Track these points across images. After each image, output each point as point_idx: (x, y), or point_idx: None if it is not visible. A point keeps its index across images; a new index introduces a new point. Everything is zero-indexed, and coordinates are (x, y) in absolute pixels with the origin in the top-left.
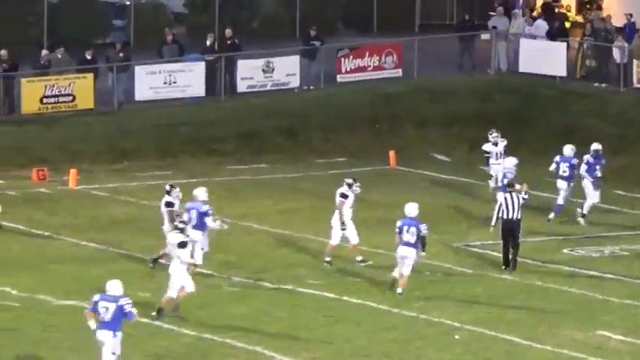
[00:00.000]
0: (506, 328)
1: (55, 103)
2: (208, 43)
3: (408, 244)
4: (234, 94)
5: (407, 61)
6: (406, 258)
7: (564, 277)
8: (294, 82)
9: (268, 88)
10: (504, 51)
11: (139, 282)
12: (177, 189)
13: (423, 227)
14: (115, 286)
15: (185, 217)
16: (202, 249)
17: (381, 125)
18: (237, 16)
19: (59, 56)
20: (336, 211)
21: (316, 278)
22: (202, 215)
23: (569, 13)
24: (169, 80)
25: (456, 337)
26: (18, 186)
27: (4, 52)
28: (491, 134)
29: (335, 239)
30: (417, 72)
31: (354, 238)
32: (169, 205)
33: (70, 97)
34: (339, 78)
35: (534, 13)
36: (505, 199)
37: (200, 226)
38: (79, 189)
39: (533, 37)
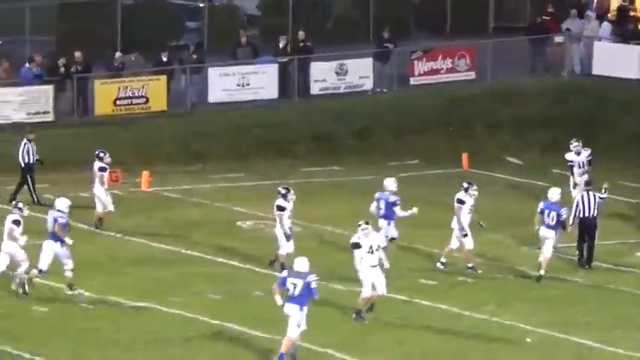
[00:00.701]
0: (579, 331)
1: (128, 104)
2: (281, 45)
3: (548, 226)
4: (307, 96)
5: (480, 64)
6: (547, 239)
7: (637, 280)
8: (368, 84)
9: (341, 90)
10: (578, 53)
11: (209, 284)
12: (292, 192)
13: (564, 211)
14: (303, 263)
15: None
16: (394, 238)
17: (453, 128)
18: (311, 17)
19: (133, 58)
20: (455, 217)
21: (388, 280)
22: (391, 205)
23: None
24: (243, 82)
25: (528, 340)
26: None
27: (78, 53)
28: (572, 143)
29: (454, 243)
30: (490, 75)
31: (469, 243)
32: (281, 209)
33: (144, 99)
34: (412, 80)
35: (610, 16)
36: (582, 197)
37: (389, 215)
38: (152, 191)
39: (599, 39)
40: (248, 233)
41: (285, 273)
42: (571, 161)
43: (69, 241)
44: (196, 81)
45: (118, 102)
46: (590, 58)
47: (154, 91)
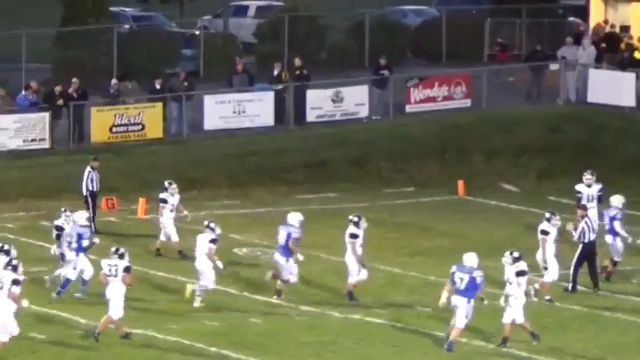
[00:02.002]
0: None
1: (124, 132)
2: (276, 72)
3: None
4: (303, 123)
5: (475, 92)
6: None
7: (634, 307)
8: (363, 112)
9: (337, 117)
10: (573, 81)
11: (206, 310)
12: (364, 219)
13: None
14: (471, 258)
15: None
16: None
17: (449, 155)
18: (306, 45)
19: (130, 86)
20: (540, 249)
21: (383, 308)
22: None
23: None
24: (239, 110)
25: None
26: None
27: (74, 80)
28: (585, 175)
29: (549, 277)
30: (485, 102)
31: (553, 274)
32: (354, 236)
33: (140, 127)
34: (408, 108)
35: (602, 45)
36: (586, 223)
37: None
38: (149, 218)
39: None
40: (244, 260)
41: (453, 268)
42: (580, 192)
43: (300, 256)
44: (187, 108)
45: (114, 129)
46: (586, 86)
47: (150, 118)
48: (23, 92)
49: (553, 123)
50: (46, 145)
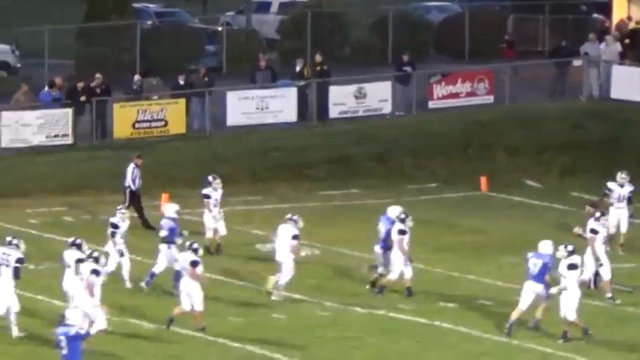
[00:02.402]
0: (598, 354)
1: (147, 128)
2: (298, 68)
3: None
4: (325, 119)
5: (498, 88)
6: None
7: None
8: (387, 108)
9: (360, 114)
10: (596, 77)
11: (229, 306)
12: (411, 218)
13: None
14: (546, 246)
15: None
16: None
17: (472, 151)
18: (329, 41)
19: (154, 82)
20: (588, 248)
21: (408, 303)
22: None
23: None
24: (262, 106)
25: None
26: (110, 211)
27: (98, 76)
28: (620, 175)
29: (606, 274)
30: (508, 98)
31: (606, 274)
32: (402, 232)
33: (163, 122)
34: (431, 104)
35: (626, 41)
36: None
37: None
38: None
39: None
40: (267, 256)
41: (529, 254)
42: (611, 190)
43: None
44: (210, 104)
45: (136, 125)
46: (609, 82)
47: (173, 114)
48: (46, 88)
49: (576, 119)
50: (69, 141)
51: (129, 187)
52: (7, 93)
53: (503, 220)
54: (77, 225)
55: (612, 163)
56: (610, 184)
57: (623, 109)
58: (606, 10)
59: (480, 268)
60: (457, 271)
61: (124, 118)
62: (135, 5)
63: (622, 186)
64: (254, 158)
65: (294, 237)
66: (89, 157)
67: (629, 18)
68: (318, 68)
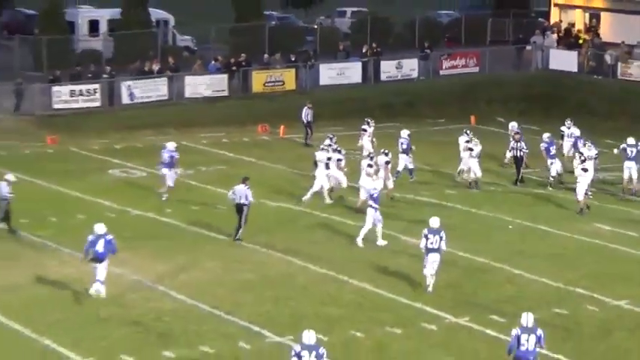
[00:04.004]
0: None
1: (272, 86)
2: (363, 50)
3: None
4: (378, 81)
5: (482, 62)
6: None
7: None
8: (414, 74)
9: (399, 78)
10: (540, 57)
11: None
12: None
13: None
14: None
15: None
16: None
17: (465, 101)
18: (381, 35)
19: (277, 58)
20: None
21: None
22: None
23: (580, 34)
24: (340, 73)
25: (509, 227)
26: (250, 137)
27: (243, 55)
28: (567, 121)
29: None
30: (487, 69)
31: None
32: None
33: (282, 82)
34: (441, 72)
35: (560, 34)
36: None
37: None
38: (286, 137)
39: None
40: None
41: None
42: (562, 131)
43: None
44: (310, 72)
45: (266, 84)
46: (548, 60)
47: (288, 78)
48: (212, 62)
49: (528, 82)
50: (225, 94)
51: (304, 121)
52: (189, 65)
53: (485, 141)
54: (229, 144)
55: (550, 109)
56: (562, 127)
57: (557, 76)
58: (547, 15)
59: None
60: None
61: (258, 80)
62: (265, 12)
63: (569, 128)
64: (335, 104)
65: (386, 163)
66: (237, 104)
67: (560, 21)
68: (374, 50)
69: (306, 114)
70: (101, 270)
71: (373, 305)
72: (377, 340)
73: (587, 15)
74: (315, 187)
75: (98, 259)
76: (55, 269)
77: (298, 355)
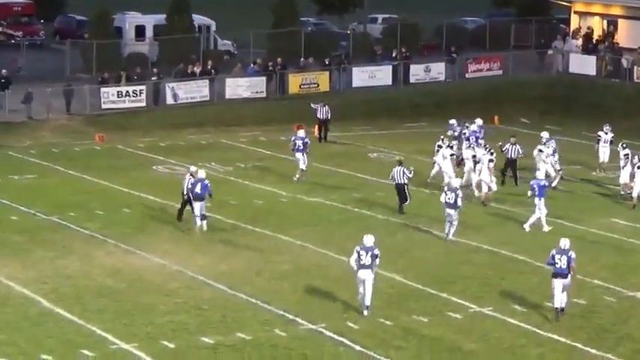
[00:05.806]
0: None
1: (307, 87)
2: (393, 54)
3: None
4: (407, 83)
5: (505, 66)
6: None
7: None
8: (442, 77)
9: (427, 80)
10: (561, 60)
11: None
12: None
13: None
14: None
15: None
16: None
17: (489, 102)
18: (410, 40)
19: (310, 61)
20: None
21: None
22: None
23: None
24: (372, 75)
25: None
26: (286, 135)
27: (280, 59)
28: (605, 126)
29: None
30: (511, 72)
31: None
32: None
33: (316, 84)
34: (467, 75)
35: (580, 40)
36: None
37: None
38: (317, 136)
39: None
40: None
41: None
42: (600, 136)
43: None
44: (341, 74)
45: (302, 86)
46: (568, 63)
47: (322, 80)
48: (251, 65)
49: (549, 84)
50: (264, 95)
51: (320, 118)
52: (229, 68)
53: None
54: (266, 143)
55: (569, 110)
56: (600, 132)
57: (576, 79)
58: (567, 22)
59: None
60: None
61: (294, 82)
62: (301, 19)
63: (606, 133)
64: (366, 104)
65: (490, 161)
66: (275, 105)
67: (580, 27)
68: (404, 55)
69: (322, 111)
70: (199, 207)
71: (401, 295)
72: (404, 328)
73: (605, 22)
74: (472, 183)
75: (197, 198)
76: (101, 259)
77: (358, 254)
